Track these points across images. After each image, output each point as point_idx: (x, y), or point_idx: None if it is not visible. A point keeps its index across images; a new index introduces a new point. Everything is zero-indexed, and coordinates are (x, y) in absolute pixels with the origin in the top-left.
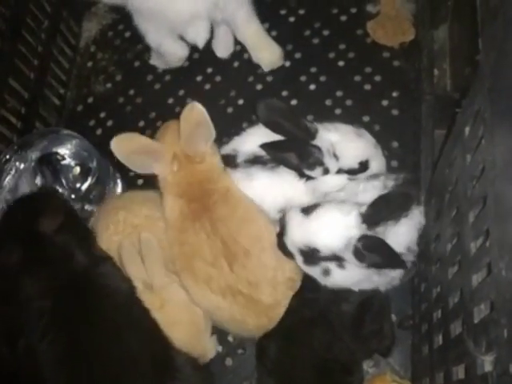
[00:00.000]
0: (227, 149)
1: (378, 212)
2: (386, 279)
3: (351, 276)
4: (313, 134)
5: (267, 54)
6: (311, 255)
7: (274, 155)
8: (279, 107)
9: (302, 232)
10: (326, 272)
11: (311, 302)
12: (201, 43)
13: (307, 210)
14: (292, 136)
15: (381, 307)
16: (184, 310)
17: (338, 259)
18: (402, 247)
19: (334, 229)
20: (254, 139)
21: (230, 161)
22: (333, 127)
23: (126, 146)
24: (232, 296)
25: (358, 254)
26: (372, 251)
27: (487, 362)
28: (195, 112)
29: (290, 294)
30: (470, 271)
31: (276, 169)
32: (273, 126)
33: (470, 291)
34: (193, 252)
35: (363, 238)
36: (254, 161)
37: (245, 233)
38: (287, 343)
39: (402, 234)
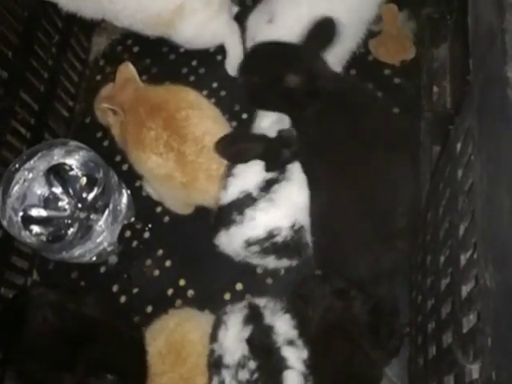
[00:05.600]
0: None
1: None
2: None
3: None
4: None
5: None
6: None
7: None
8: None
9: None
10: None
11: (328, 310)
12: None
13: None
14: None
15: (392, 306)
16: None
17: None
18: None
19: None
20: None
21: None
22: None
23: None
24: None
25: None
26: None
27: (474, 371)
28: (126, 70)
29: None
30: (460, 282)
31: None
32: None
33: (459, 302)
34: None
35: None
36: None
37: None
38: (310, 356)
39: None
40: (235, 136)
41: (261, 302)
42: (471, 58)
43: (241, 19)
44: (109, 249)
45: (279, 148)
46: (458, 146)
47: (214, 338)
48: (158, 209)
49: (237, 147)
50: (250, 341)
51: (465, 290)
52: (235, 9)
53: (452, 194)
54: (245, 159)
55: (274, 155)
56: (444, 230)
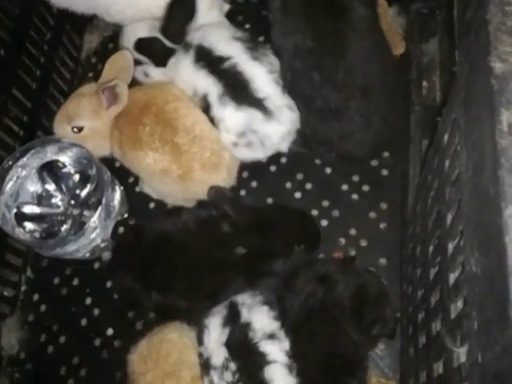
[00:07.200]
0: None
1: None
2: None
3: None
4: None
5: None
6: None
7: None
8: None
9: None
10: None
11: (310, 295)
12: None
13: None
14: None
15: (378, 294)
16: None
17: None
18: None
19: None
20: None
21: None
22: None
23: None
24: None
25: None
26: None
27: (462, 355)
28: (123, 58)
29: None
30: (448, 270)
31: None
32: None
33: (447, 289)
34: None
35: None
36: None
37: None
38: (292, 343)
39: None
40: None
41: (240, 298)
42: (457, 50)
43: (232, 17)
44: (102, 245)
45: None
46: (446, 136)
47: (200, 341)
48: (152, 205)
49: None
50: (227, 344)
51: (452, 277)
52: (226, 6)
53: (440, 185)
54: None
55: None
56: (432, 220)
